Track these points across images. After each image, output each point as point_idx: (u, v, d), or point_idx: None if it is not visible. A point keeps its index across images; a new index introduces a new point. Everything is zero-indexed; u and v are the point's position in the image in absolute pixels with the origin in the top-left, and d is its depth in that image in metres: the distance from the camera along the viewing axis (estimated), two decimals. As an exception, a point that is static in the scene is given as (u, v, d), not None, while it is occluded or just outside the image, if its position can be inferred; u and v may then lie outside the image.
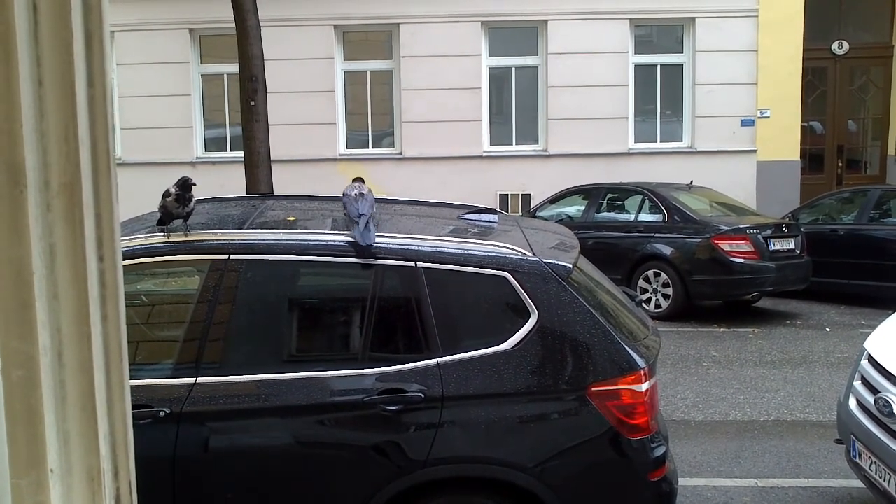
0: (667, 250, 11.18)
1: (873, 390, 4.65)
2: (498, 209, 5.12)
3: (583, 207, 12.45)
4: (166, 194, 4.07)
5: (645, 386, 3.78)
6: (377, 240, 3.95)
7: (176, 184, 4.13)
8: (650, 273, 11.29)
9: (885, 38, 15.97)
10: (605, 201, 12.50)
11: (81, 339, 1.10)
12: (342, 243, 3.98)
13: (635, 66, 15.11)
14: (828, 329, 10.60)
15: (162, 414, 3.66)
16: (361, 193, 4.18)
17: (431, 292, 3.83)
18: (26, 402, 1.06)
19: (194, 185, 4.19)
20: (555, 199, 12.90)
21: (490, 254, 3.94)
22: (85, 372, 1.10)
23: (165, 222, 4.09)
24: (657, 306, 11.16)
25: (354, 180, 4.48)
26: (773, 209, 13.46)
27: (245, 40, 11.04)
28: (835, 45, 15.80)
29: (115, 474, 1.13)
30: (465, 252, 3.95)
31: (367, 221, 3.98)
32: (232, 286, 3.92)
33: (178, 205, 4.05)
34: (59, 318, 1.09)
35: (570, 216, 12.40)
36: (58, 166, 1.09)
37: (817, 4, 15.13)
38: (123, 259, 3.98)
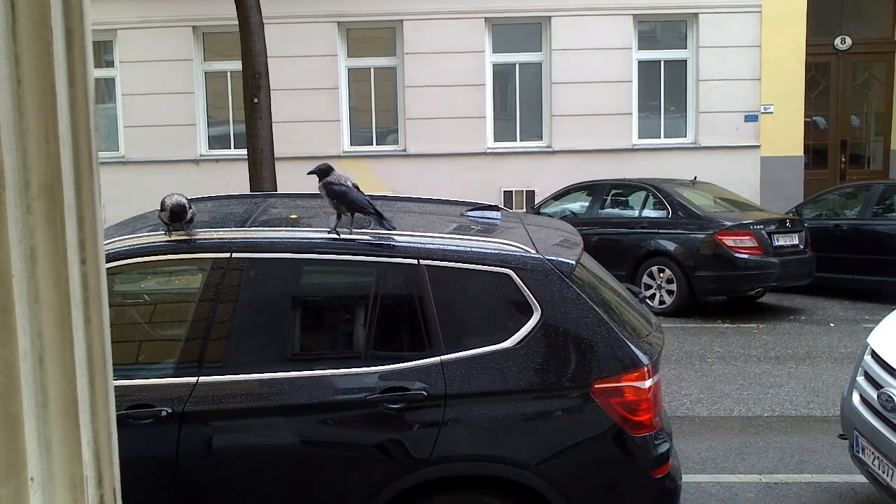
0: (671, 246, 11.15)
1: (876, 385, 4.64)
2: (501, 206, 5.09)
3: (587, 204, 12.43)
4: (161, 207, 4.02)
5: (648, 382, 3.76)
6: (378, 237, 3.94)
7: (164, 209, 3.99)
8: (654, 269, 11.26)
9: (887, 33, 15.91)
10: (608, 198, 12.47)
11: (63, 344, 1.08)
12: (344, 241, 3.97)
13: (639, 62, 15.08)
14: (831, 324, 10.56)
15: (164, 413, 3.65)
16: (356, 185, 4.17)
17: (434, 290, 3.81)
18: (6, 408, 1.04)
19: (189, 210, 4.02)
20: (559, 196, 12.88)
21: (493, 251, 3.92)
22: (67, 377, 1.08)
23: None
24: (661, 302, 11.13)
25: (322, 170, 4.26)
26: (776, 205, 13.44)
27: (248, 37, 11.03)
28: (837, 41, 15.74)
29: (98, 481, 1.11)
30: (468, 249, 3.93)
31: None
32: (234, 284, 3.90)
33: (170, 223, 4.02)
34: (40, 323, 1.07)
35: (573, 213, 12.37)
36: (38, 167, 1.06)
37: (820, 0, 15.07)
38: (126, 257, 3.94)
